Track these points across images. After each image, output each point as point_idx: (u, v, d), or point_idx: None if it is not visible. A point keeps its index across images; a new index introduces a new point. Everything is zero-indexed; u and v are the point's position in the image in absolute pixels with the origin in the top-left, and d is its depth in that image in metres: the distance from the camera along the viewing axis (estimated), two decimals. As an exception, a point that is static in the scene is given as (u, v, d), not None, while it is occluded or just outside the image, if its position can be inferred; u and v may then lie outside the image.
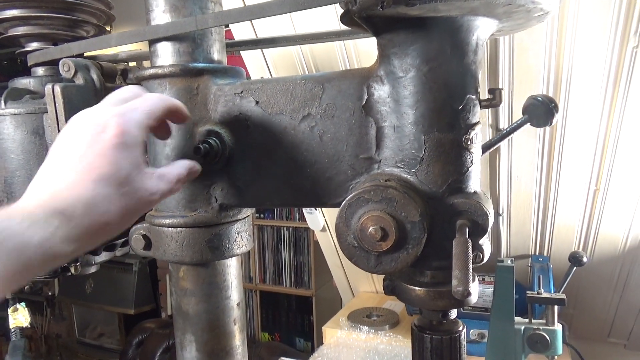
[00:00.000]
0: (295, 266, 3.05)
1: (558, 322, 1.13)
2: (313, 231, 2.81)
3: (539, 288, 1.14)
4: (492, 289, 1.16)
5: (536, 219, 1.26)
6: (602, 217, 1.19)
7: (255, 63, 0.90)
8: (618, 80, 0.92)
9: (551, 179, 1.14)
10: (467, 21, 0.43)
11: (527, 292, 1.12)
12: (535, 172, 1.14)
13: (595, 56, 0.91)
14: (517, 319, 1.15)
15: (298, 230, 3.01)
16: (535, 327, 1.12)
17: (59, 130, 0.55)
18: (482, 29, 0.44)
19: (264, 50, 0.88)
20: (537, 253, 1.35)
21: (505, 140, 1.13)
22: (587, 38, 0.89)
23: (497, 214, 1.30)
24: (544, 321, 1.13)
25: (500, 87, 0.98)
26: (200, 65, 0.53)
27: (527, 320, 1.15)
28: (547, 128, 1.05)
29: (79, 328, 3.57)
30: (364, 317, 1.56)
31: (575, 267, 1.14)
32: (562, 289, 1.14)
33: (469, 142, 0.46)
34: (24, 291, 0.64)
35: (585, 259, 1.12)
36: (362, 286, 1.76)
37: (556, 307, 1.10)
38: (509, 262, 1.16)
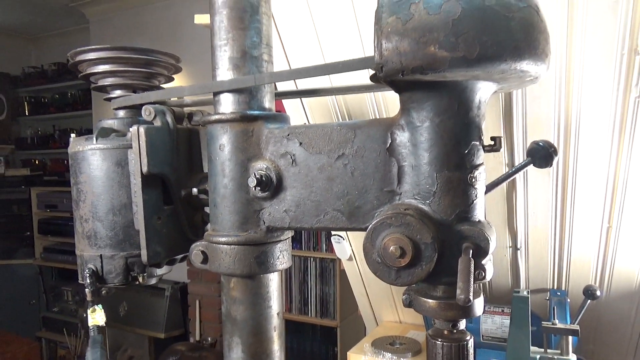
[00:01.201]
0: (321, 296, 3.12)
1: (576, 356, 1.18)
2: (339, 262, 2.89)
3: (555, 319, 1.21)
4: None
5: (553, 253, 1.33)
6: (617, 254, 1.25)
7: (293, 106, 1.03)
8: (624, 126, 1.01)
9: (566, 216, 1.22)
10: (470, 84, 0.54)
11: (542, 322, 1.18)
12: (550, 209, 1.22)
13: (601, 104, 1.00)
14: (533, 348, 1.21)
15: (324, 260, 3.09)
16: (550, 356, 1.18)
17: (140, 163, 0.68)
18: (483, 90, 0.55)
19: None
20: (555, 287, 1.41)
21: (522, 178, 1.22)
22: (593, 88, 0.98)
23: (516, 248, 1.37)
24: (559, 351, 1.19)
25: (514, 130, 1.08)
26: (255, 112, 0.66)
27: (542, 349, 1.21)
28: (560, 168, 1.14)
29: (110, 350, 3.69)
30: (387, 345, 1.63)
31: (589, 301, 1.20)
32: (577, 320, 1.20)
33: (473, 180, 0.56)
34: (101, 295, 0.75)
35: (599, 293, 1.18)
36: (386, 315, 1.83)
37: (570, 337, 1.16)
38: (525, 292, 1.23)
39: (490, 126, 1.11)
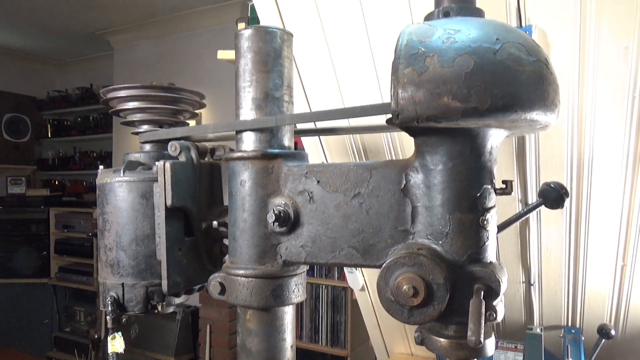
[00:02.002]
0: (332, 325, 3.09)
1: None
2: (351, 291, 2.88)
3: (569, 357, 1.19)
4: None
5: (567, 290, 1.32)
6: (632, 293, 1.25)
7: (312, 141, 1.06)
8: (636, 165, 1.02)
9: (579, 253, 1.22)
10: (482, 131, 0.56)
11: (556, 360, 1.17)
12: (563, 246, 1.22)
13: (613, 144, 1.02)
14: (547, 387, 1.20)
15: (336, 288, 3.08)
16: (564, 395, 1.16)
17: (165, 197, 0.71)
18: (495, 136, 0.58)
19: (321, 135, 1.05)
20: (570, 324, 1.40)
21: (535, 214, 1.23)
22: (605, 129, 1.00)
23: (529, 284, 1.37)
24: (574, 391, 1.17)
25: (527, 167, 1.10)
26: (276, 151, 0.69)
27: (556, 388, 1.19)
28: (573, 205, 1.15)
29: (120, 373, 3.68)
30: (398, 378, 1.62)
31: (603, 340, 1.19)
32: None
33: (485, 222, 0.58)
34: (121, 322, 0.78)
35: (613, 332, 1.17)
36: (397, 347, 1.82)
37: (585, 377, 1.14)
38: (538, 330, 1.22)
39: (502, 162, 1.13)
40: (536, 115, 0.52)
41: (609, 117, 0.99)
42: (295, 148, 0.77)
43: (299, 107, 1.04)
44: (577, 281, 1.29)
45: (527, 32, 0.93)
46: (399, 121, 0.54)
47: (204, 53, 3.97)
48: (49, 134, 5.35)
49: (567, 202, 0.75)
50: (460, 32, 0.52)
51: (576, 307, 1.35)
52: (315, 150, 1.05)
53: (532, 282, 1.37)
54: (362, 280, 1.67)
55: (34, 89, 5.34)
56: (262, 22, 1.08)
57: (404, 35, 0.55)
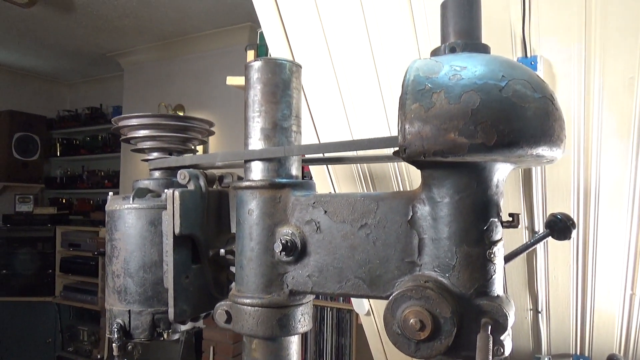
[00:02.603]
0: (337, 348, 3.06)
1: None
2: (356, 314, 2.85)
3: (578, 388, 1.17)
4: (530, 386, 1.20)
5: (575, 318, 1.30)
6: (642, 322, 1.23)
7: (319, 169, 1.07)
8: (644, 193, 1.02)
9: (587, 282, 1.20)
10: (489, 165, 0.57)
11: (565, 391, 1.15)
12: (571, 274, 1.21)
13: (619, 173, 1.02)
14: (556, 418, 1.17)
15: (341, 311, 3.05)
16: None
17: (173, 225, 0.71)
18: (501, 170, 0.58)
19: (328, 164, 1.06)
20: (579, 353, 1.37)
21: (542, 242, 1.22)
22: (611, 158, 1.00)
23: (537, 311, 1.35)
24: (583, 423, 1.15)
25: (534, 196, 1.10)
26: (284, 180, 0.70)
27: (566, 420, 1.17)
28: (580, 234, 1.14)
29: (122, 394, 3.64)
30: (404, 405, 1.59)
31: (614, 370, 1.17)
32: (601, 391, 1.16)
33: (492, 255, 0.58)
34: (127, 350, 0.78)
35: (623, 363, 1.15)
36: (403, 373, 1.79)
37: (595, 409, 1.12)
38: (546, 359, 1.21)
39: (509, 190, 1.13)
40: (542, 151, 0.53)
41: (615, 147, 0.99)
42: (303, 173, 0.78)
43: (307, 135, 1.05)
44: (586, 309, 1.28)
45: (533, 63, 0.94)
46: (406, 155, 0.55)
47: (212, 75, 4.03)
48: (58, 152, 5.41)
49: (575, 229, 0.75)
50: (467, 68, 0.53)
51: (585, 336, 1.33)
52: (322, 176, 1.05)
53: (539, 310, 1.35)
54: (367, 305, 1.66)
55: (45, 109, 5.42)
56: (271, 50, 1.10)
57: (411, 71, 0.56)
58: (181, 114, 4.12)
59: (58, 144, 5.41)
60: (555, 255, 1.21)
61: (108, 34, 4.13)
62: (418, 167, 0.60)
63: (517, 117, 0.51)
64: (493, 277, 0.59)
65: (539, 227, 1.17)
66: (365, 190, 1.08)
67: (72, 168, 5.52)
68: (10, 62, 5.03)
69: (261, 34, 1.50)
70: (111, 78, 5.26)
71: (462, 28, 0.60)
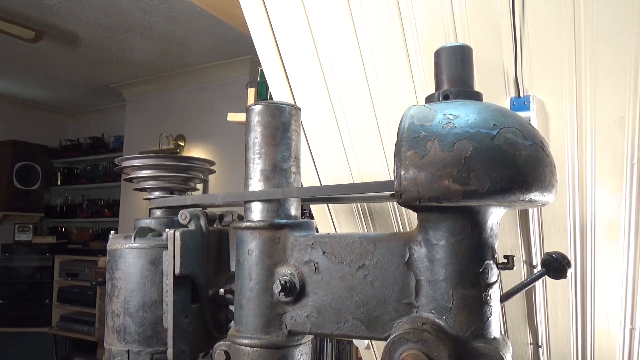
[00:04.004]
0: (337, 381, 3.01)
1: None
2: (356, 348, 2.82)
3: None
4: None
5: (575, 352, 1.29)
6: (643, 357, 1.22)
7: (319, 206, 1.09)
8: (639, 230, 1.03)
9: (587, 316, 1.20)
10: (483, 209, 0.58)
11: None
12: (570, 309, 1.21)
13: (615, 209, 1.03)
14: None
15: (341, 343, 3.02)
16: None
17: (174, 265, 0.72)
18: (495, 214, 0.59)
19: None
20: (581, 388, 1.36)
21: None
22: (606, 194, 1.02)
23: (537, 345, 1.34)
24: None
25: (530, 231, 1.11)
26: (283, 221, 0.71)
27: None
28: (578, 269, 1.15)
29: None
30: None
31: (616, 407, 1.15)
32: None
33: (488, 298, 0.59)
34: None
35: (626, 400, 1.14)
36: (405, 409, 1.76)
37: None
38: (548, 396, 1.19)
39: (506, 225, 1.14)
40: (534, 196, 0.54)
41: (608, 183, 1.01)
42: (303, 208, 0.79)
43: (308, 173, 1.07)
44: (586, 344, 1.27)
45: (526, 103, 0.96)
46: (402, 200, 0.56)
47: (213, 106, 4.09)
48: (59, 181, 5.43)
49: (571, 268, 0.76)
50: (459, 117, 0.55)
51: (586, 372, 1.32)
52: (322, 212, 1.07)
53: (540, 344, 1.34)
54: (367, 340, 1.64)
55: (47, 138, 5.48)
56: (271, 88, 1.13)
57: (406, 118, 0.58)
58: (182, 143, 4.16)
59: (59, 173, 5.44)
60: (554, 289, 1.21)
61: (111, 66, 4.21)
62: (414, 211, 0.62)
63: (509, 164, 0.53)
64: (489, 319, 0.59)
65: (537, 262, 1.18)
66: (365, 227, 1.09)
67: (73, 197, 5.54)
68: (15, 93, 5.11)
69: (262, 71, 1.54)
70: (113, 108, 5.33)
71: (455, 76, 0.62)
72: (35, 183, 5.12)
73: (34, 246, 4.78)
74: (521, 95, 0.98)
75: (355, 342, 1.74)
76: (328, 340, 3.07)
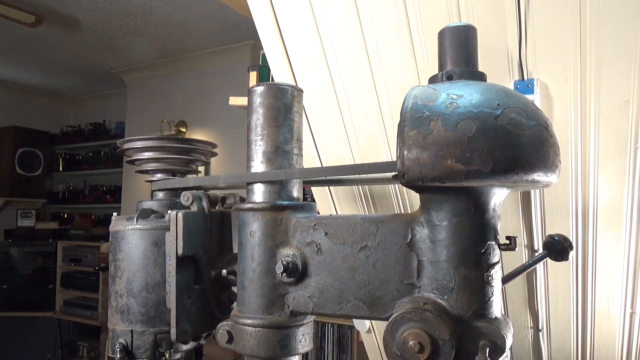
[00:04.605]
0: (338, 365, 3.04)
1: None
2: (358, 332, 2.84)
3: (579, 408, 1.17)
4: (532, 405, 1.19)
5: (576, 337, 1.30)
6: (642, 341, 1.23)
7: (320, 190, 1.09)
8: (641, 213, 1.03)
9: (587, 300, 1.21)
10: (486, 190, 0.58)
11: (567, 411, 1.15)
12: (571, 293, 1.21)
13: (617, 191, 1.03)
14: None
15: (342, 328, 3.04)
16: None
17: (176, 246, 0.73)
18: (498, 194, 0.59)
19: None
20: (580, 372, 1.37)
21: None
22: (608, 178, 1.02)
23: (537, 330, 1.35)
24: None
25: (532, 216, 1.11)
26: (285, 203, 0.71)
27: None
28: (580, 252, 1.15)
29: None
30: None
31: (615, 390, 1.16)
32: (603, 411, 1.16)
33: (490, 278, 0.59)
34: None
35: (625, 382, 1.15)
36: (405, 392, 1.78)
37: None
38: (548, 379, 1.20)
39: (508, 209, 1.14)
40: (537, 177, 0.54)
41: (611, 167, 1.00)
42: (304, 192, 0.79)
43: (309, 156, 1.06)
44: (586, 328, 1.28)
45: (530, 86, 0.95)
46: (404, 180, 0.56)
47: (214, 91, 4.07)
48: (61, 167, 5.44)
49: (572, 251, 0.76)
50: (463, 97, 0.55)
51: (586, 354, 1.33)
52: (323, 196, 1.07)
53: (540, 328, 1.35)
54: (368, 323, 1.66)
55: (49, 124, 5.47)
56: (273, 72, 1.13)
57: (410, 98, 0.58)
58: (183, 130, 4.16)
59: (61, 159, 5.44)
60: (555, 273, 1.22)
61: (112, 51, 4.19)
62: (417, 191, 0.62)
63: (512, 144, 0.53)
64: (491, 299, 0.59)
65: (539, 245, 1.18)
66: (366, 210, 1.09)
67: (75, 183, 5.55)
68: (15, 78, 5.10)
69: (263, 55, 1.53)
70: (115, 94, 5.32)
71: (459, 56, 0.62)
72: (37, 169, 5.13)
73: (37, 232, 4.80)
74: (525, 78, 0.98)
75: (357, 325, 1.75)
76: (329, 325, 3.09)
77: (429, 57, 0.96)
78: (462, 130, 0.53)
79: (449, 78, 0.61)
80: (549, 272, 1.23)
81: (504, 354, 0.58)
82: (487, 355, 0.55)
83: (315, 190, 1.06)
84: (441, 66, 0.63)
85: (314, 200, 1.18)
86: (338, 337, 3.08)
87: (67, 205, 5.43)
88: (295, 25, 1.10)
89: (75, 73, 4.86)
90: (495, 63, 0.99)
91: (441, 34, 0.64)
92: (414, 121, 0.55)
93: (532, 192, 1.04)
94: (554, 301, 1.27)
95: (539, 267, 1.23)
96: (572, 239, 1.12)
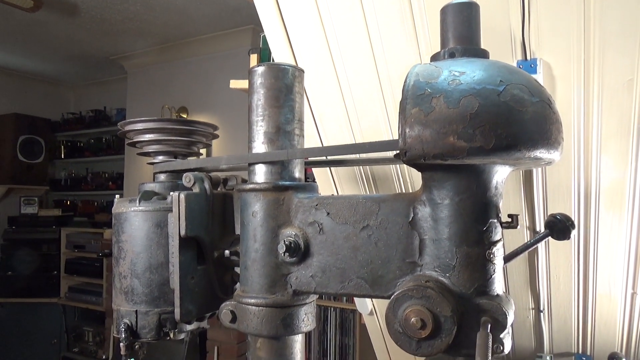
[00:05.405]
0: (341, 347, 3.07)
1: None
2: (360, 314, 2.87)
3: (580, 387, 1.18)
4: (532, 384, 1.20)
5: (577, 317, 1.31)
6: (643, 321, 1.23)
7: (321, 170, 1.09)
8: (644, 193, 1.03)
9: (588, 281, 1.21)
10: (488, 167, 0.58)
11: (567, 389, 1.16)
12: (572, 273, 1.22)
13: (619, 172, 1.03)
14: (558, 416, 1.18)
15: (345, 311, 3.07)
16: None
17: (179, 227, 0.73)
18: (500, 172, 0.59)
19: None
20: (580, 352, 1.38)
21: (543, 241, 1.23)
22: (611, 158, 1.01)
23: (538, 310, 1.36)
24: (585, 421, 1.16)
25: (535, 196, 1.11)
26: (287, 183, 0.71)
27: (568, 418, 1.18)
28: (581, 233, 1.15)
29: (127, 395, 3.66)
30: (407, 405, 1.60)
31: (615, 369, 1.17)
32: (603, 389, 1.17)
33: (491, 256, 0.60)
34: (134, 349, 0.79)
35: (625, 361, 1.16)
36: (407, 373, 1.80)
37: (596, 407, 1.13)
38: (548, 357, 1.22)
39: (510, 190, 1.14)
40: (540, 154, 0.54)
41: (614, 147, 1.00)
42: (306, 175, 0.79)
43: (310, 138, 1.06)
44: (587, 308, 1.29)
45: (532, 66, 0.95)
46: (406, 158, 0.56)
47: (215, 77, 4.05)
48: (63, 155, 5.44)
49: (574, 231, 0.76)
50: (465, 74, 0.55)
51: (587, 335, 1.34)
52: (325, 178, 1.07)
53: (541, 309, 1.36)
54: (370, 305, 1.67)
55: (50, 111, 5.46)
56: (274, 54, 1.12)
57: (411, 76, 0.57)
58: (185, 116, 4.15)
59: (62, 147, 5.44)
60: (556, 254, 1.22)
61: (112, 37, 4.16)
62: (418, 170, 0.62)
63: (515, 121, 0.52)
64: (492, 276, 0.60)
65: (540, 227, 1.18)
66: (368, 192, 1.09)
67: (77, 170, 5.56)
68: (15, 65, 5.07)
69: (264, 37, 1.52)
70: (115, 81, 5.29)
71: (461, 34, 0.61)
72: (39, 156, 5.13)
73: (40, 219, 4.82)
74: (528, 58, 0.97)
75: (359, 308, 1.76)
76: (332, 309, 3.12)
77: (431, 37, 0.95)
78: (465, 107, 0.52)
79: (452, 55, 0.61)
80: (550, 253, 1.23)
81: (506, 330, 0.58)
82: (488, 331, 0.55)
83: (317, 173, 1.06)
84: (443, 44, 0.63)
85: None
86: (341, 321, 3.10)
87: (69, 193, 5.44)
88: (296, 6, 1.09)
89: (74, 59, 4.83)
90: (498, 43, 0.98)
91: (443, 11, 0.63)
92: (416, 98, 0.55)
93: (534, 173, 1.03)
94: (556, 282, 1.28)
95: (541, 248, 1.24)
96: (574, 219, 1.12)
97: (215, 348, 3.32)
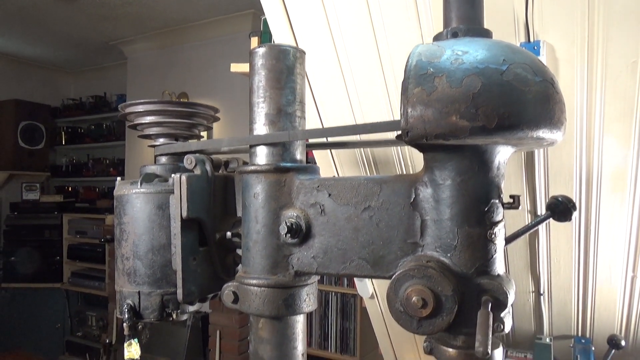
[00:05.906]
0: (342, 332, 3.10)
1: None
2: (361, 298, 2.89)
3: (578, 368, 1.19)
4: (532, 366, 1.22)
5: (577, 300, 1.32)
6: (642, 303, 1.24)
7: (323, 154, 1.09)
8: (645, 176, 1.03)
9: (589, 264, 1.22)
10: (490, 148, 0.58)
11: (566, 371, 1.17)
12: (573, 256, 1.22)
13: (621, 155, 1.02)
14: (556, 397, 1.20)
15: (346, 296, 3.09)
16: (574, 406, 1.16)
17: (180, 209, 0.73)
18: (502, 153, 0.59)
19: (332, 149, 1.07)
20: (580, 334, 1.40)
21: (544, 224, 1.23)
22: (614, 140, 1.01)
23: (538, 293, 1.37)
24: (583, 402, 1.17)
25: (536, 179, 1.11)
26: (288, 164, 0.71)
27: (566, 399, 1.19)
28: (582, 216, 1.16)
29: (130, 378, 3.70)
30: (407, 386, 1.62)
31: (614, 350, 1.19)
32: (602, 371, 1.19)
33: (493, 236, 0.60)
34: (137, 329, 0.80)
35: (623, 343, 1.17)
36: (407, 355, 1.82)
37: (594, 388, 1.14)
38: (547, 340, 1.23)
39: (511, 174, 1.14)
40: (542, 133, 0.54)
41: (617, 130, 1.00)
42: (307, 159, 0.79)
43: (311, 120, 1.06)
44: (587, 291, 1.29)
45: (536, 48, 0.94)
46: (408, 138, 0.56)
47: (215, 62, 4.02)
48: (63, 141, 5.44)
49: (575, 213, 0.76)
50: (468, 53, 0.54)
51: (586, 317, 1.35)
52: (326, 161, 1.07)
53: (541, 292, 1.37)
54: (371, 289, 1.68)
55: (50, 97, 5.44)
56: (275, 37, 1.11)
57: (414, 56, 0.57)
58: (185, 101, 4.13)
59: (63, 133, 5.43)
60: (557, 238, 1.23)
61: (111, 22, 4.12)
62: (420, 150, 0.61)
63: (518, 100, 0.52)
64: (494, 256, 0.60)
65: (541, 210, 1.19)
66: (369, 174, 1.10)
67: (77, 156, 5.56)
68: (14, 51, 5.04)
69: (265, 20, 1.50)
70: (115, 66, 5.26)
71: (465, 13, 0.61)
72: (40, 142, 5.13)
73: (42, 205, 4.84)
74: (531, 40, 0.96)
75: (360, 291, 1.77)
76: (333, 293, 3.14)
77: (433, 18, 0.94)
78: (467, 86, 0.52)
79: (454, 35, 0.60)
80: (551, 236, 1.24)
81: (506, 310, 0.59)
82: (489, 309, 0.55)
83: (318, 156, 1.06)
84: (446, 23, 0.62)
85: (317, 167, 1.18)
86: (342, 305, 3.12)
87: (70, 179, 5.44)
88: (296, -13, 1.08)
89: (74, 45, 4.79)
90: (501, 25, 0.97)
91: (446, -10, 0.63)
92: (418, 78, 0.55)
93: (535, 155, 1.03)
94: (556, 265, 1.29)
95: (541, 231, 1.24)
96: (576, 202, 1.12)
97: (218, 332, 3.35)
